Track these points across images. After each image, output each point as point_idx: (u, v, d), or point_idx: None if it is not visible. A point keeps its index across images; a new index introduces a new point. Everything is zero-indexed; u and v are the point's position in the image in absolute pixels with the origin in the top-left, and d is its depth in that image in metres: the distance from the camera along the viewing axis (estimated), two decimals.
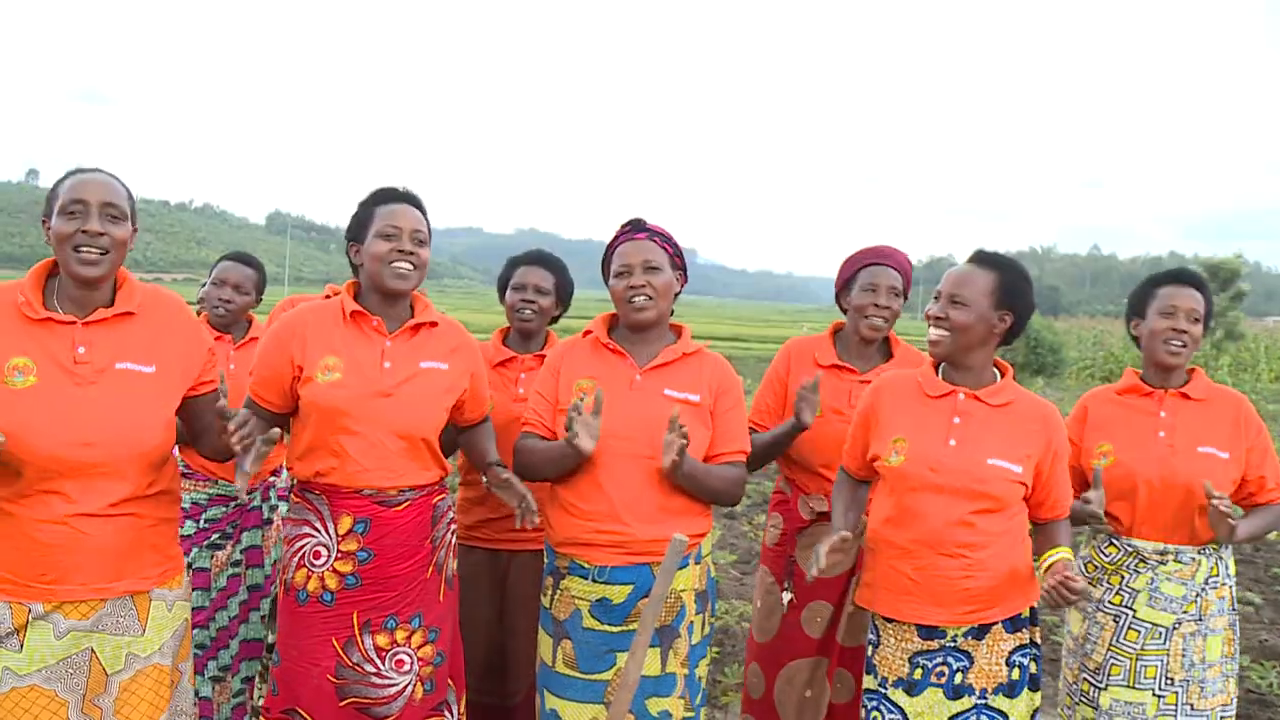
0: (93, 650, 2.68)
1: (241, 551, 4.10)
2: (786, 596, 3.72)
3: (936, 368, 3.12)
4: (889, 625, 3.04)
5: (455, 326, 3.25)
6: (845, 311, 3.81)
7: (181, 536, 3.88)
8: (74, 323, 2.68)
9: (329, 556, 3.01)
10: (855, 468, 3.25)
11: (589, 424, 3.02)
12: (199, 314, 4.18)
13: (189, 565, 3.95)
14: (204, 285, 4.31)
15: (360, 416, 2.99)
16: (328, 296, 3.81)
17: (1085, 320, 45.14)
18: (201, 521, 4.03)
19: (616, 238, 3.26)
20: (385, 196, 3.14)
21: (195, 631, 4.00)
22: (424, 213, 3.16)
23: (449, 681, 3.21)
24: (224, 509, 4.06)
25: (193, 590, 3.99)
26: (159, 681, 2.78)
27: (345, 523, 3.00)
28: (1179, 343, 3.34)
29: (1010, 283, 3.01)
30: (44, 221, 2.73)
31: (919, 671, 2.98)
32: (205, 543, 4.02)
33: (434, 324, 3.17)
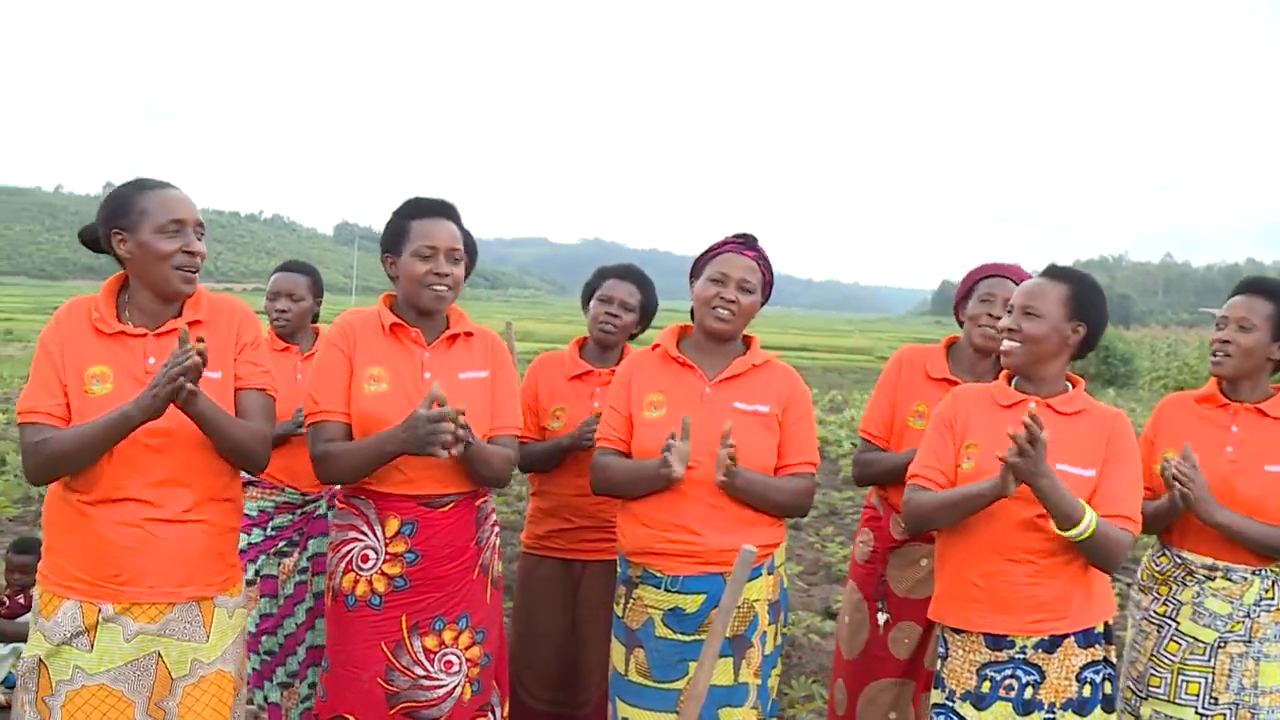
0: (159, 654, 2.75)
1: (308, 559, 4.14)
2: (882, 617, 3.66)
3: (1009, 379, 3.09)
4: (956, 636, 3.01)
5: (491, 337, 3.26)
6: (962, 325, 3.75)
7: (249, 544, 3.96)
8: (144, 335, 2.78)
9: (377, 559, 3.04)
10: (932, 477, 3.12)
11: (683, 451, 3.04)
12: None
13: (257, 572, 4.01)
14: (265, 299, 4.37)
15: None
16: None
17: (1158, 329, 44.36)
18: (269, 529, 4.07)
19: (723, 244, 3.24)
20: (420, 210, 3.13)
21: (263, 638, 4.05)
22: (459, 222, 3.16)
23: (494, 684, 3.22)
24: (290, 516, 4.11)
25: (261, 597, 4.04)
26: (222, 688, 2.84)
27: (393, 525, 3.03)
28: (1221, 352, 3.27)
29: (1083, 294, 3.00)
30: (116, 233, 2.77)
31: (987, 684, 2.94)
32: (272, 550, 4.07)
33: (470, 334, 3.19)
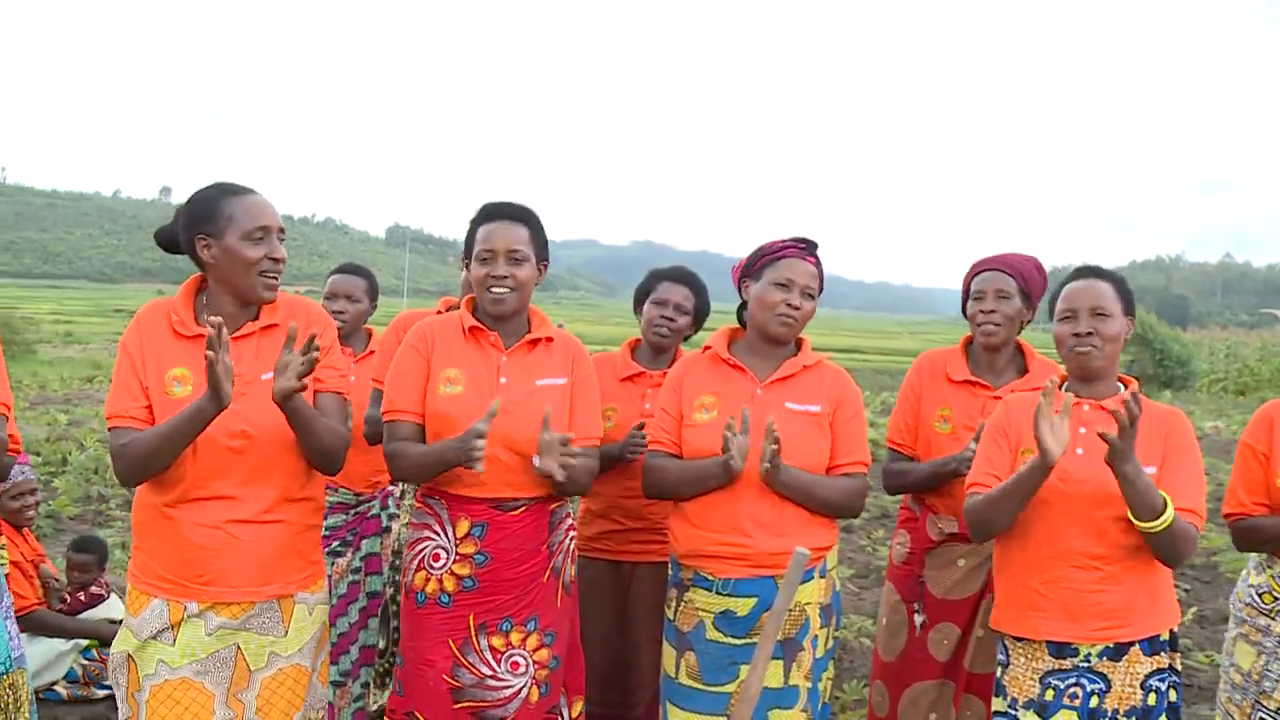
0: (238, 647, 2.79)
1: (361, 559, 4.17)
2: (919, 619, 3.65)
3: (1062, 384, 3.03)
4: (1018, 644, 2.97)
5: (573, 343, 3.26)
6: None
7: None
8: None
9: (447, 559, 3.07)
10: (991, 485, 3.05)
11: (743, 445, 3.03)
12: None
13: None
14: (322, 300, 4.41)
15: None
16: (440, 311, 3.86)
17: (1216, 331, 43.69)
18: (322, 529, 4.10)
19: (784, 248, 3.21)
20: (485, 215, 3.17)
21: None
22: (529, 223, 3.15)
23: (563, 688, 3.23)
24: (344, 517, 4.14)
25: None
26: (298, 681, 2.89)
27: (463, 526, 3.05)
28: None
29: (1125, 289, 3.00)
30: (201, 238, 2.79)
31: (1050, 692, 2.90)
32: (326, 550, 4.09)
33: (550, 339, 3.19)
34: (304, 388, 2.65)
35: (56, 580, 5.15)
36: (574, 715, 3.29)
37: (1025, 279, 3.60)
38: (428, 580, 3.09)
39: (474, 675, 3.05)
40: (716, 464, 3.06)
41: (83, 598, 5.18)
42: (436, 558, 3.08)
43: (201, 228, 2.78)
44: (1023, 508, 2.85)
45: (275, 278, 2.80)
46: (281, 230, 2.81)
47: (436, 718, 3.06)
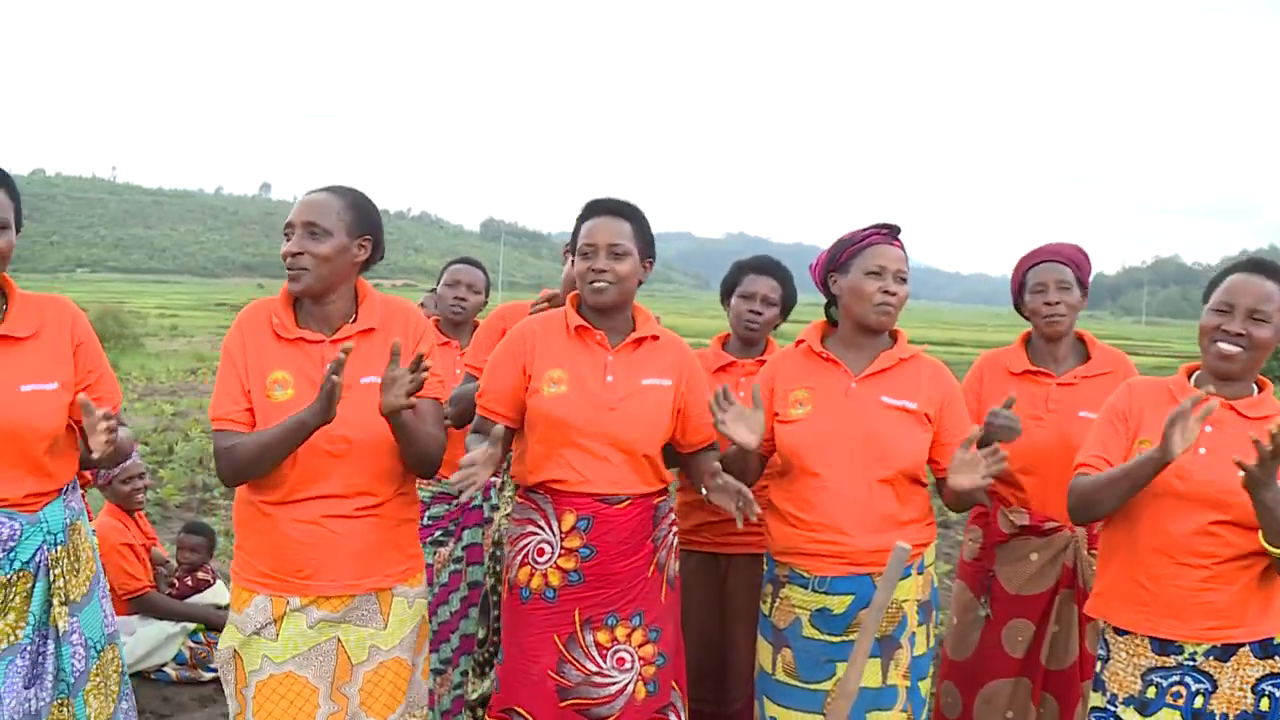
0: (339, 639, 2.83)
1: (463, 549, 4.22)
2: (983, 612, 3.61)
3: (1189, 376, 2.95)
4: (1120, 638, 2.89)
5: (678, 343, 3.26)
6: (1027, 318, 3.73)
7: None
8: (322, 341, 2.83)
9: (552, 553, 3.08)
10: (1102, 468, 2.92)
11: (744, 416, 2.98)
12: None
13: None
14: (431, 290, 4.47)
15: (583, 429, 3.04)
16: (537, 302, 3.89)
17: None
18: (424, 519, 4.15)
19: (868, 235, 3.15)
20: (590, 210, 3.18)
21: None
22: (633, 220, 3.15)
23: (674, 685, 3.22)
24: (446, 507, 4.19)
25: None
26: (399, 674, 2.91)
27: (569, 519, 3.06)
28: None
29: None
30: None
31: (1153, 690, 2.82)
32: (428, 540, 4.14)
33: (655, 338, 3.19)
34: (413, 405, 2.67)
35: (166, 564, 5.30)
36: (685, 716, 3.28)
37: (1079, 267, 3.63)
38: (532, 575, 3.10)
39: (580, 672, 3.06)
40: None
41: (190, 582, 5.32)
42: (541, 552, 3.09)
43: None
44: (1131, 495, 2.76)
45: (293, 271, 2.78)
46: (308, 223, 2.77)
47: (542, 715, 3.07)
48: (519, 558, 3.13)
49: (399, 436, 2.75)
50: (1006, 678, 3.58)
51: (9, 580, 2.70)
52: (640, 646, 3.11)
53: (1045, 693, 3.56)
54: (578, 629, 3.07)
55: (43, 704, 2.75)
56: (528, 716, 3.08)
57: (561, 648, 3.06)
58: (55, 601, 2.76)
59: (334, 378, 2.53)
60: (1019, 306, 3.75)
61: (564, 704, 3.06)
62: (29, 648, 2.73)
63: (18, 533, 2.70)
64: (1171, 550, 2.77)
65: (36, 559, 2.74)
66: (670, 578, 3.22)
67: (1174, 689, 2.80)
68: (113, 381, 2.96)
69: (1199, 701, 2.78)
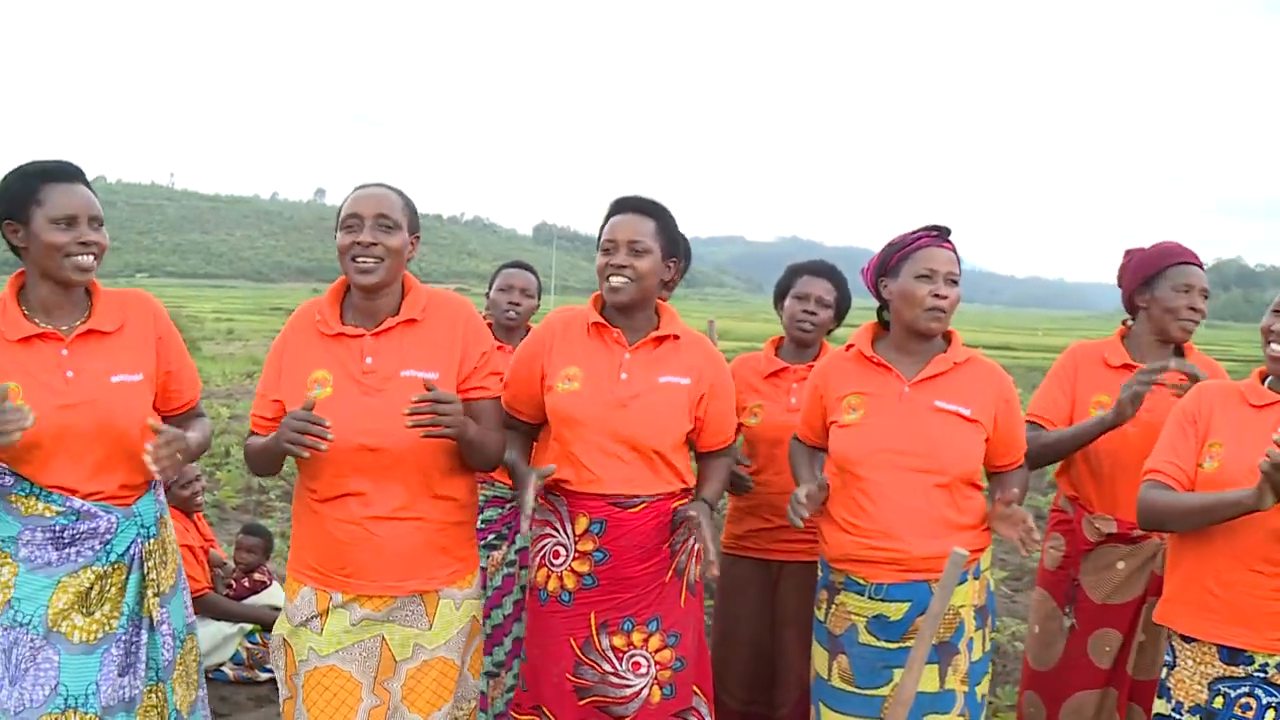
0: (383, 638, 2.86)
1: (516, 552, 4.22)
2: (1067, 622, 3.53)
3: (1262, 379, 2.90)
4: (1187, 645, 2.84)
5: (702, 342, 3.22)
6: (1135, 310, 3.59)
7: None
8: (362, 335, 2.86)
9: (567, 556, 3.08)
10: (1174, 474, 2.89)
11: (815, 500, 3.06)
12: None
13: None
14: (483, 295, 4.47)
15: (593, 426, 3.04)
16: None
17: None
18: (478, 522, 4.16)
19: (917, 237, 3.12)
20: (613, 207, 3.17)
21: None
22: (657, 218, 3.13)
23: (695, 689, 3.20)
24: (499, 510, 4.20)
25: None
26: (444, 674, 2.93)
27: (582, 523, 3.06)
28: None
29: None
30: (337, 237, 2.90)
31: (1220, 700, 2.76)
32: (482, 543, 4.15)
33: (677, 337, 3.16)
34: (460, 434, 2.75)
35: (224, 566, 5.36)
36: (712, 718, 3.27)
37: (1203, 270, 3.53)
38: (549, 577, 3.10)
39: (596, 672, 3.06)
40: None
41: (247, 583, 5.37)
42: (556, 555, 3.09)
43: (336, 227, 2.91)
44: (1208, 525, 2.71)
45: (367, 261, 2.79)
46: (380, 216, 2.81)
47: (563, 714, 3.08)
48: (537, 559, 3.15)
49: (464, 449, 2.82)
50: (1093, 689, 3.50)
51: (105, 572, 2.81)
52: (657, 652, 3.09)
53: (1133, 703, 3.49)
54: (594, 632, 3.07)
55: (136, 691, 2.84)
56: (551, 715, 3.10)
57: (578, 651, 3.07)
58: (149, 593, 2.87)
59: (301, 414, 2.65)
60: (1132, 300, 3.59)
61: (583, 702, 3.07)
62: (123, 637, 2.83)
63: (114, 526, 2.80)
64: (1243, 556, 2.71)
65: (131, 551, 2.84)
66: (690, 582, 3.17)
67: (1242, 700, 2.73)
68: (193, 373, 3.08)
69: (1270, 715, 2.71)
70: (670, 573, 3.13)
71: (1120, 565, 3.45)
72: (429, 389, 2.67)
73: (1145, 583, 3.40)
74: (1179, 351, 3.58)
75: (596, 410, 3.03)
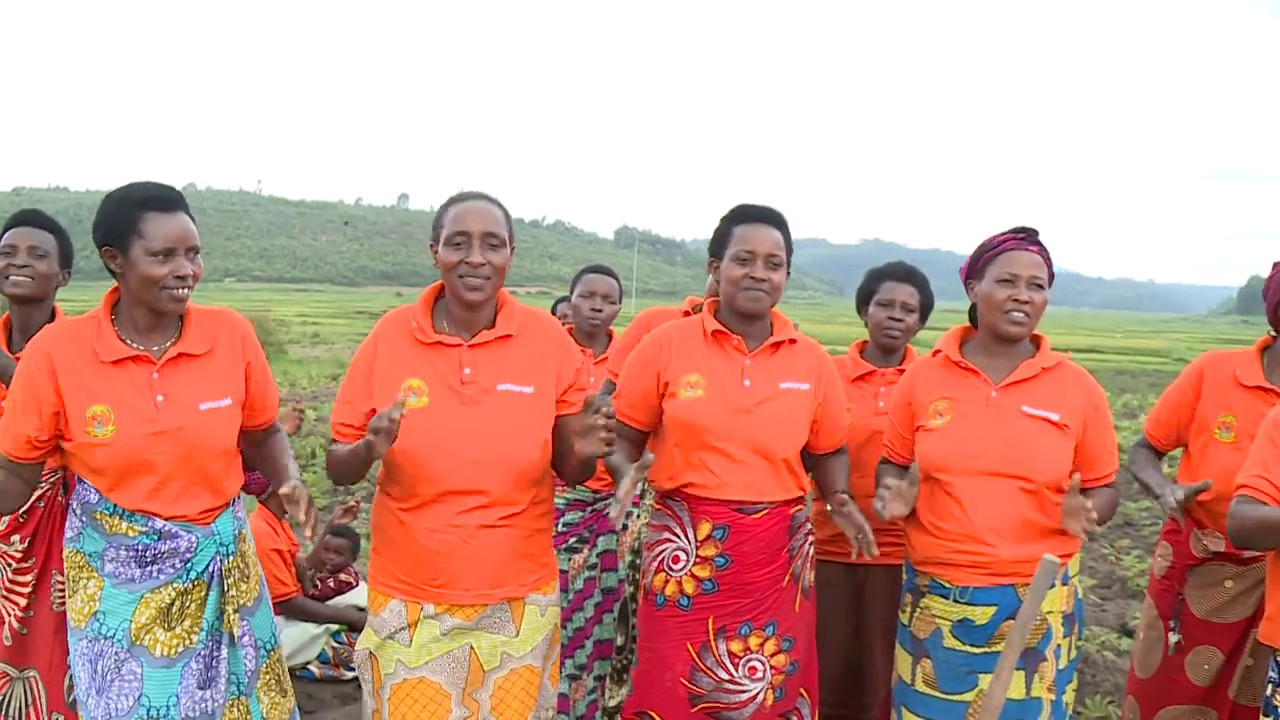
0: (471, 647, 2.86)
1: (597, 555, 4.24)
2: (1174, 638, 3.43)
3: None
4: None
5: (814, 347, 3.24)
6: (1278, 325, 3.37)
7: None
8: (460, 345, 2.85)
9: (687, 561, 3.08)
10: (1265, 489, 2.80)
11: (903, 494, 2.97)
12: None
13: None
14: (564, 299, 4.50)
15: (721, 433, 3.04)
16: (687, 312, 3.88)
17: None
18: (559, 525, 4.18)
19: (1003, 241, 3.08)
20: (744, 215, 3.15)
21: None
22: (784, 229, 3.14)
23: (801, 691, 3.21)
24: (581, 514, 4.22)
25: None
26: (530, 681, 2.93)
27: (704, 528, 3.07)
28: None
29: None
30: (432, 247, 2.90)
31: None
32: (563, 546, 4.17)
33: (793, 342, 3.17)
34: (609, 452, 2.73)
35: (311, 569, 5.44)
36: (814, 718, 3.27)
37: None
38: (667, 582, 3.11)
39: (712, 679, 3.06)
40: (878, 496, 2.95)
41: (333, 584, 5.45)
42: (676, 560, 3.10)
43: (432, 237, 2.90)
44: None
45: (476, 280, 2.78)
46: (488, 234, 2.80)
47: (673, 719, 3.08)
48: (655, 564, 3.15)
49: (571, 458, 2.80)
50: (1186, 704, 3.42)
51: (186, 589, 2.83)
52: (773, 656, 3.10)
53: None
54: (711, 638, 3.07)
55: (216, 705, 2.86)
56: None
57: (695, 656, 3.07)
58: (229, 609, 2.88)
59: (395, 415, 2.57)
60: (1277, 314, 3.37)
61: (695, 709, 3.07)
62: (203, 652, 2.85)
63: (195, 545, 2.82)
64: None
65: (210, 569, 2.85)
66: (805, 588, 3.20)
67: None
68: (274, 392, 3.08)
69: None
70: (787, 578, 3.13)
71: (1229, 584, 3.35)
72: (589, 404, 2.64)
73: (1255, 604, 3.28)
74: None
75: (723, 416, 3.04)
